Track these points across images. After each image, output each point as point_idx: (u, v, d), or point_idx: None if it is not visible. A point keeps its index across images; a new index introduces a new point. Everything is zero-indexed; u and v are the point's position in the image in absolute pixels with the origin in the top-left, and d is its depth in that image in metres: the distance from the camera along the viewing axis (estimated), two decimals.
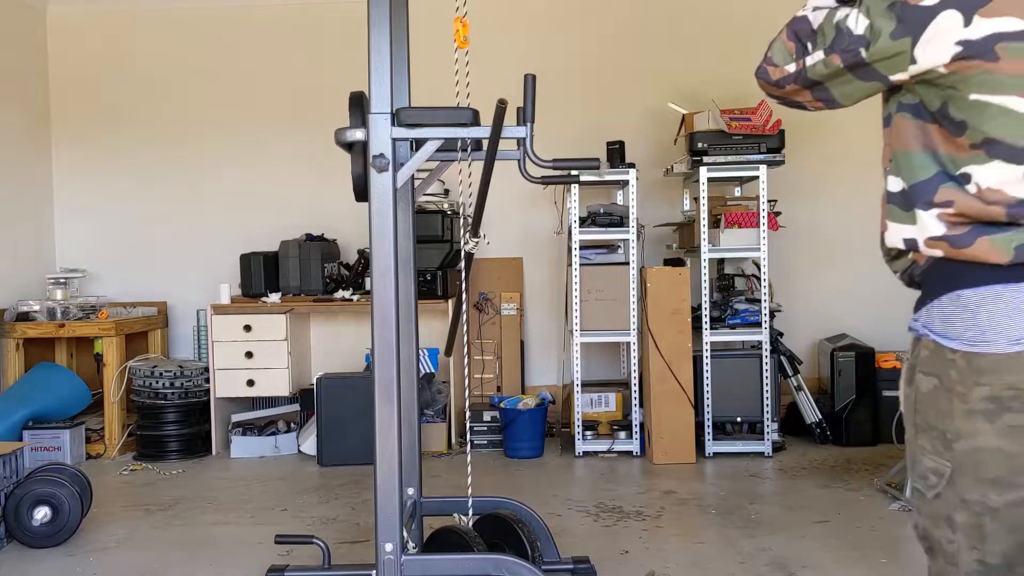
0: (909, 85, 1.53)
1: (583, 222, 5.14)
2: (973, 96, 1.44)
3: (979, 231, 1.47)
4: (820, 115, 5.77)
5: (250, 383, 5.31)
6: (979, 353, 1.47)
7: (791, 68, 1.61)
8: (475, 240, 2.88)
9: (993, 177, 1.45)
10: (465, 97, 2.90)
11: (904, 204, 1.55)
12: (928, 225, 1.51)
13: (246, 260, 5.51)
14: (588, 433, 5.15)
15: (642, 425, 5.08)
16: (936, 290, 1.54)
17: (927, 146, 1.52)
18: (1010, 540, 1.50)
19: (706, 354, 4.95)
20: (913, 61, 1.47)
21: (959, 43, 1.42)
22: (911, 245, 1.56)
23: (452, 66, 2.87)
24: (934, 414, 1.55)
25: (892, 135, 1.59)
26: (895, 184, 1.57)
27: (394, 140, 2.55)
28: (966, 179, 1.47)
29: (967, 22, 1.42)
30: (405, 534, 2.66)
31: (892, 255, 1.65)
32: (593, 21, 5.95)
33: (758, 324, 4.99)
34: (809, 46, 1.59)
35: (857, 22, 1.51)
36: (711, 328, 4.96)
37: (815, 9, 1.61)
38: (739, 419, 5.07)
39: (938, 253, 1.52)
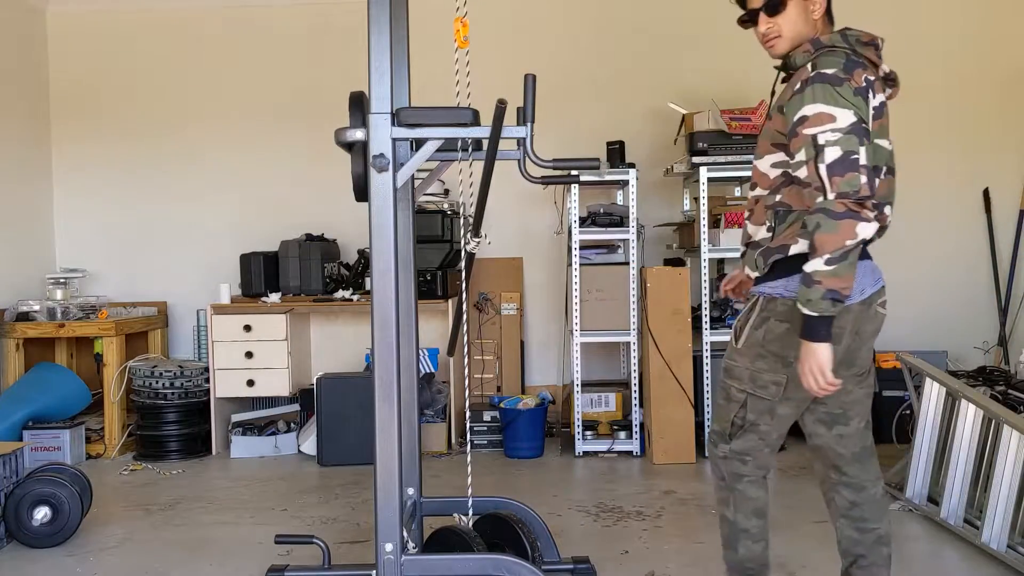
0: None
1: (583, 222, 5.14)
2: (876, 141, 2.34)
3: None
4: None
5: (250, 383, 5.31)
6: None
7: (863, 178, 2.21)
8: (476, 240, 2.87)
9: (884, 191, 2.39)
10: (465, 97, 2.90)
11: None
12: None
13: (246, 260, 5.51)
14: (588, 433, 5.15)
15: (642, 425, 5.08)
16: (792, 269, 2.35)
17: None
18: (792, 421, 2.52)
19: (706, 354, 4.95)
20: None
21: (874, 108, 2.33)
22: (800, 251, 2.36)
23: (452, 66, 2.87)
24: (779, 346, 2.40)
25: (793, 197, 2.38)
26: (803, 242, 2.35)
27: (394, 140, 2.55)
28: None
29: (874, 95, 2.34)
30: (405, 534, 2.66)
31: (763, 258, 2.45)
32: (593, 21, 5.95)
33: None
34: (857, 158, 2.21)
35: (845, 113, 2.23)
36: (711, 328, 4.96)
37: (825, 152, 2.23)
38: None
39: (804, 250, 2.31)
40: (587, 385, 5.25)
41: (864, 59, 2.33)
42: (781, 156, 2.39)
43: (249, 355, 5.30)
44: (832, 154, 2.20)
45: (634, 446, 5.09)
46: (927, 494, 3.91)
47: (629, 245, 5.19)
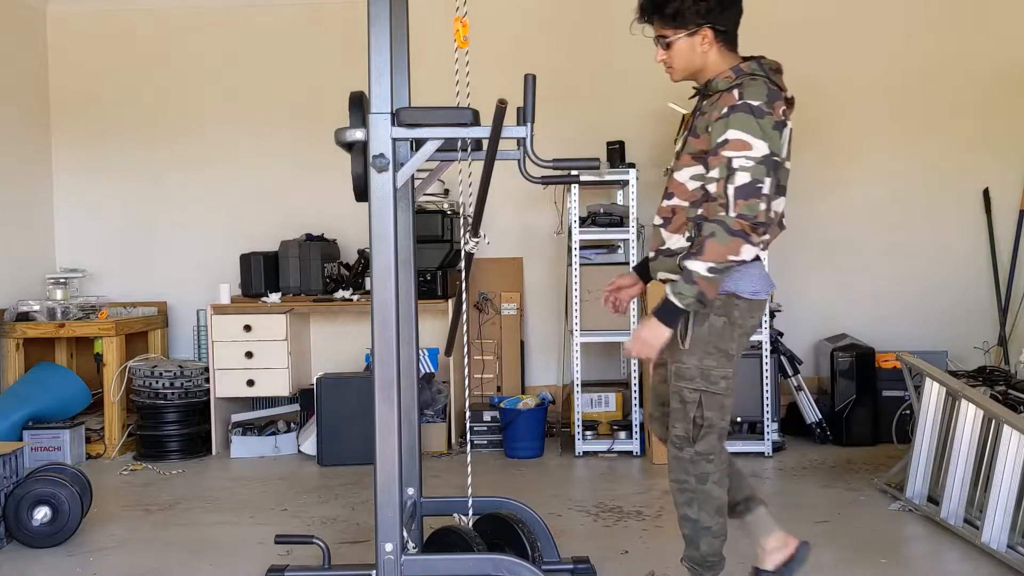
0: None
1: (583, 222, 5.14)
2: (786, 164, 2.63)
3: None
4: (819, 116, 5.77)
5: (250, 383, 5.31)
6: (753, 299, 2.63)
7: (763, 206, 2.48)
8: (475, 240, 2.88)
9: (780, 206, 2.65)
10: (465, 97, 2.90)
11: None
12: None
13: (246, 260, 5.51)
14: (588, 433, 5.15)
15: (642, 425, 5.08)
16: None
17: None
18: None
19: None
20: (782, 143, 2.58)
21: (789, 133, 2.63)
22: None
23: (452, 66, 2.87)
24: (721, 340, 2.61)
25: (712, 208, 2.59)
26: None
27: (394, 140, 2.55)
28: (771, 212, 2.57)
29: (788, 124, 2.63)
30: (405, 534, 2.66)
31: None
32: (593, 21, 5.94)
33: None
34: (762, 187, 2.47)
35: (760, 145, 2.48)
36: None
37: (736, 175, 2.49)
38: (739, 419, 5.07)
39: None
40: (587, 385, 5.25)
41: (777, 86, 2.59)
42: (700, 169, 2.60)
43: (249, 355, 5.30)
44: (742, 179, 2.47)
45: (634, 446, 5.09)
46: (927, 494, 3.91)
47: (629, 245, 5.19)
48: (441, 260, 5.33)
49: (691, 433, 2.64)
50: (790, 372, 5.29)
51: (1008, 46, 5.79)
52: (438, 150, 2.65)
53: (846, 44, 5.81)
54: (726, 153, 2.49)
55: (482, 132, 2.61)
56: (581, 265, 5.10)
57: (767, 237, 2.61)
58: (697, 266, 2.47)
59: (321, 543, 3.01)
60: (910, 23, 5.82)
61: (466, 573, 2.63)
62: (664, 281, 2.72)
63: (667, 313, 2.53)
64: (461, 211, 5.45)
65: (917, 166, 5.83)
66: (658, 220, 2.73)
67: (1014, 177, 5.79)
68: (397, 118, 2.56)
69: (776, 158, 2.53)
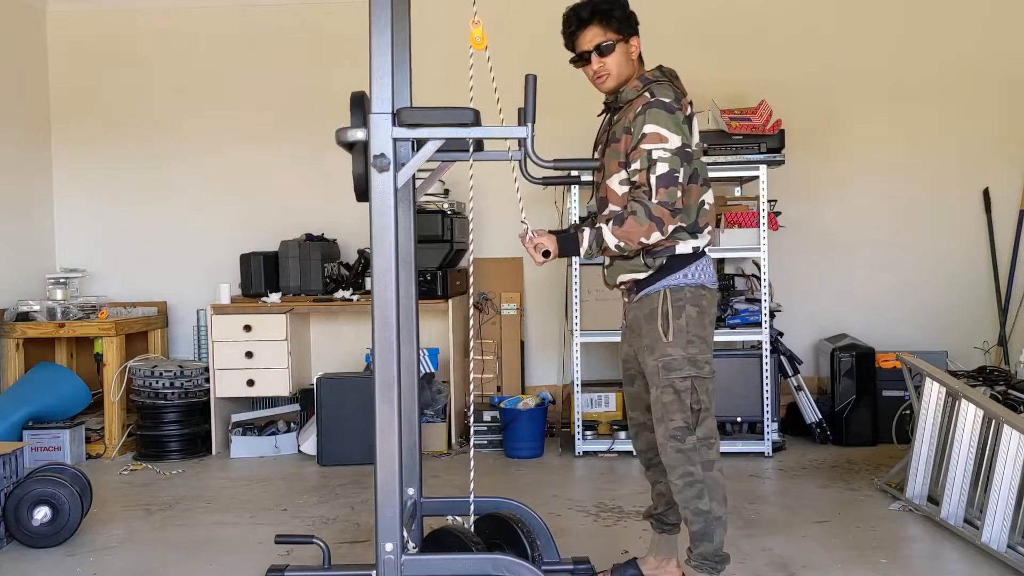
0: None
1: (583, 222, 5.13)
2: (702, 159, 2.89)
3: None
4: (820, 115, 5.78)
5: (250, 383, 5.31)
6: (714, 288, 2.88)
7: (679, 193, 2.73)
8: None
9: (710, 198, 2.90)
10: (468, 98, 2.90)
11: (689, 234, 2.86)
12: (696, 243, 2.87)
13: (246, 260, 5.51)
14: (588, 433, 5.15)
15: None
16: (684, 263, 2.83)
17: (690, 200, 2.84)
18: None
19: None
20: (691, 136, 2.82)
21: (699, 131, 2.90)
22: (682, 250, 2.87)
23: (453, 66, 2.87)
24: (699, 328, 2.81)
25: None
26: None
27: (395, 140, 2.55)
28: (703, 204, 2.86)
29: (693, 118, 2.85)
30: (405, 534, 2.66)
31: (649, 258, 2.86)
32: None
33: (758, 324, 4.99)
34: (678, 176, 2.73)
35: (675, 138, 2.74)
36: None
37: (656, 165, 2.73)
38: (739, 419, 5.07)
39: (687, 250, 2.85)
40: (587, 385, 5.25)
41: (679, 89, 2.87)
42: (625, 174, 2.82)
43: (249, 355, 5.30)
44: (661, 168, 2.72)
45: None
46: (927, 494, 3.91)
47: None
48: (441, 260, 5.33)
49: (690, 421, 2.77)
50: (790, 372, 5.29)
51: (1008, 46, 5.79)
52: (439, 150, 2.65)
53: (847, 44, 5.81)
54: (645, 146, 2.73)
55: (483, 132, 2.61)
56: (581, 265, 5.10)
57: (708, 235, 2.87)
58: (611, 239, 2.75)
59: (321, 543, 3.01)
60: (910, 23, 5.82)
61: (466, 573, 2.63)
62: (622, 284, 2.93)
63: (568, 248, 2.80)
64: (463, 211, 5.44)
65: (917, 166, 5.83)
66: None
67: (1014, 177, 5.79)
68: (398, 118, 2.56)
69: (688, 149, 2.76)
